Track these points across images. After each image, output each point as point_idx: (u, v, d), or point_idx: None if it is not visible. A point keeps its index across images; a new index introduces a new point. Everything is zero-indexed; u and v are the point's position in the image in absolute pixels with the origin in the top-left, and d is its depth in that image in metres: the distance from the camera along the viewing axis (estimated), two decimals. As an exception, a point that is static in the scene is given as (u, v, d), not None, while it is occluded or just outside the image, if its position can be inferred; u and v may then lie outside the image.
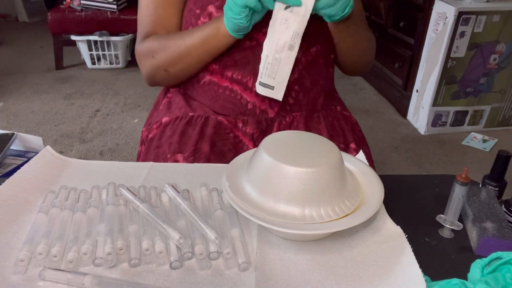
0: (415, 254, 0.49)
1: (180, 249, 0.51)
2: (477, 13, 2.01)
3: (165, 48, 0.86)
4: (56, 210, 0.57)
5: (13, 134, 0.78)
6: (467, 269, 0.50)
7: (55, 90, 2.74)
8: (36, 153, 0.72)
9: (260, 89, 0.80)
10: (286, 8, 0.73)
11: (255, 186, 0.55)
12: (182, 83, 0.94)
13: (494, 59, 2.17)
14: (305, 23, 0.73)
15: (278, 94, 0.79)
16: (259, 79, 0.79)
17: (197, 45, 0.83)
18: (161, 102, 0.98)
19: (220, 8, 0.83)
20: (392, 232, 0.55)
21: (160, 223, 0.54)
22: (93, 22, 2.89)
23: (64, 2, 2.94)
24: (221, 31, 0.79)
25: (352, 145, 0.88)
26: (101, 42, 2.98)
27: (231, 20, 0.75)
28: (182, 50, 0.84)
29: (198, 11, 0.85)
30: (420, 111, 2.34)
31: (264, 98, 0.86)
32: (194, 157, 0.80)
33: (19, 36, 3.89)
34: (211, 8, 0.84)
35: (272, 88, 0.78)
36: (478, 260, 0.49)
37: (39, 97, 2.63)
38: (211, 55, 0.84)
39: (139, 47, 0.91)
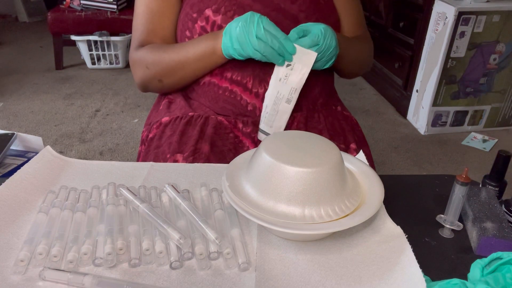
0: (415, 254, 0.49)
1: (180, 249, 0.51)
2: (477, 13, 2.01)
3: (159, 62, 0.87)
4: (56, 210, 0.57)
5: (13, 134, 0.78)
6: (467, 269, 0.50)
7: (55, 90, 2.74)
8: (36, 153, 0.72)
9: (259, 135, 0.86)
10: (287, 66, 0.79)
11: (255, 186, 0.55)
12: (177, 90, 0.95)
13: (494, 59, 2.17)
14: (303, 81, 0.80)
15: None
16: (259, 125, 0.85)
17: (192, 61, 0.84)
18: (161, 102, 0.98)
19: (216, 11, 0.83)
20: (392, 232, 0.55)
21: (160, 223, 0.54)
22: (93, 22, 2.89)
23: (64, 2, 2.94)
24: (218, 53, 0.81)
25: (352, 145, 0.88)
26: (101, 42, 2.98)
27: (228, 51, 0.78)
28: (177, 64, 0.86)
29: (195, 15, 0.85)
30: (420, 111, 2.34)
31: (264, 99, 0.86)
32: (194, 157, 0.80)
33: (19, 36, 3.89)
34: (208, 12, 0.84)
35: (268, 135, 0.84)
36: (478, 260, 0.49)
37: (39, 97, 2.63)
38: (207, 70, 0.87)
39: (134, 55, 0.92)
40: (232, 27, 0.76)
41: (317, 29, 0.77)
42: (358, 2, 0.99)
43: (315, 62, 0.78)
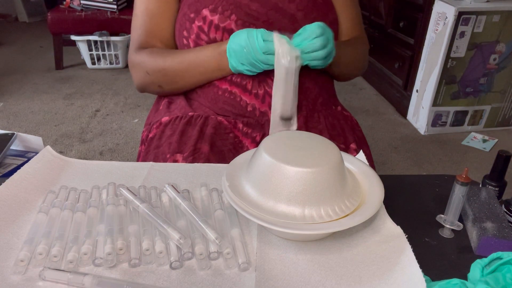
0: (415, 254, 0.49)
1: (180, 249, 0.51)
2: (477, 13, 2.01)
3: (160, 69, 0.87)
4: (56, 210, 0.57)
5: (13, 134, 0.78)
6: (467, 269, 0.50)
7: (55, 90, 2.74)
8: (36, 153, 0.72)
9: (275, 127, 0.84)
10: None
11: (255, 186, 0.55)
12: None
13: (494, 59, 2.17)
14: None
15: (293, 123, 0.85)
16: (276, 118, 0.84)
17: (195, 74, 0.86)
18: (161, 102, 0.98)
19: (214, 11, 0.83)
20: (392, 232, 0.55)
21: (160, 223, 0.54)
22: (93, 22, 2.89)
23: (64, 2, 2.95)
24: (226, 71, 0.83)
25: (352, 145, 0.88)
26: (101, 42, 2.98)
27: (236, 70, 0.81)
28: (178, 75, 0.87)
29: (192, 15, 0.85)
30: (420, 111, 2.34)
31: (263, 100, 0.86)
32: (194, 157, 0.80)
33: (19, 36, 3.89)
34: (205, 12, 0.84)
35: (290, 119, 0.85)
36: (478, 260, 0.49)
37: (39, 97, 2.63)
38: (208, 81, 0.88)
39: (133, 57, 0.92)
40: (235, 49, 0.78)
41: (315, 24, 0.78)
42: (356, 2, 0.99)
43: (316, 65, 0.79)
